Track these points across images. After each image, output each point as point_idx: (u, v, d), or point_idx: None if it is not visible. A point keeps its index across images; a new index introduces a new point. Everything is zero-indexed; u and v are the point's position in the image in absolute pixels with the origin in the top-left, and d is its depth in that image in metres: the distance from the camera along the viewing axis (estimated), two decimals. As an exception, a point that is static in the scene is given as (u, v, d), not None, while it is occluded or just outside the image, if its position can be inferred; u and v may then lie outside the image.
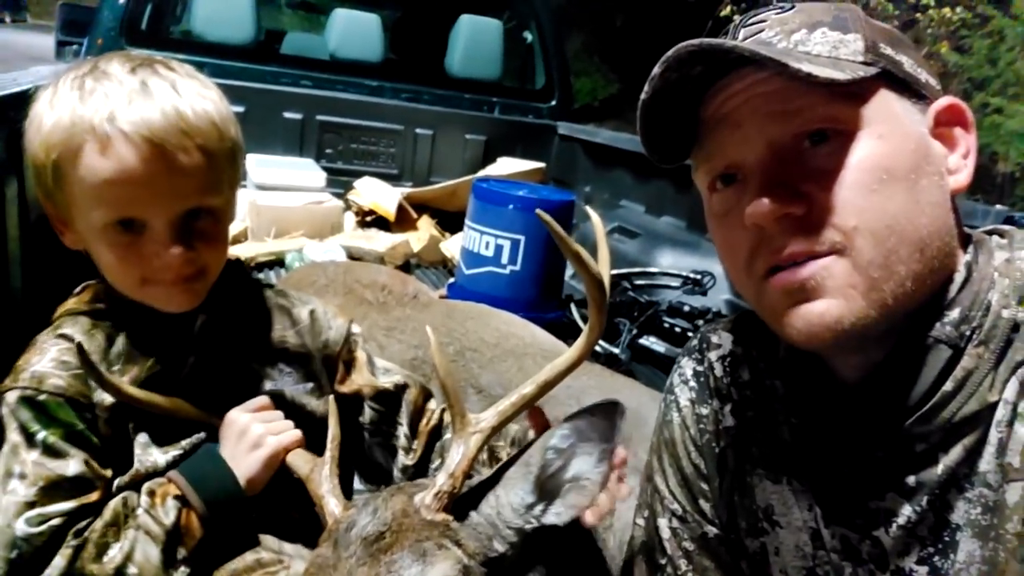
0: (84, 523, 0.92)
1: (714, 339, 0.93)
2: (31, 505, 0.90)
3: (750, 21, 0.78)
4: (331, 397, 1.05)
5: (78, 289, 1.06)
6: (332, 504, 0.91)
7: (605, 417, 0.88)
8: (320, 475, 0.94)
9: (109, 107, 0.89)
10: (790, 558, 0.83)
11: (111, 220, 0.92)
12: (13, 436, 0.92)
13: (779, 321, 0.74)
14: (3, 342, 1.19)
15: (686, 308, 2.41)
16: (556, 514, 0.89)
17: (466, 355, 1.51)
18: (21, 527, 0.89)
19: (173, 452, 1.00)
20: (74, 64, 0.97)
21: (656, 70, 0.74)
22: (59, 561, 0.89)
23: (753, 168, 0.73)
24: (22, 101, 1.64)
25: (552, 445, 0.90)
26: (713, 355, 0.92)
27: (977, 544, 0.69)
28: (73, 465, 0.93)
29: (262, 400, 1.03)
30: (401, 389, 1.19)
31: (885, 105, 0.72)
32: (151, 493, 0.95)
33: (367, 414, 1.17)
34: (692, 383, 0.93)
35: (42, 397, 0.93)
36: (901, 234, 0.68)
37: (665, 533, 0.92)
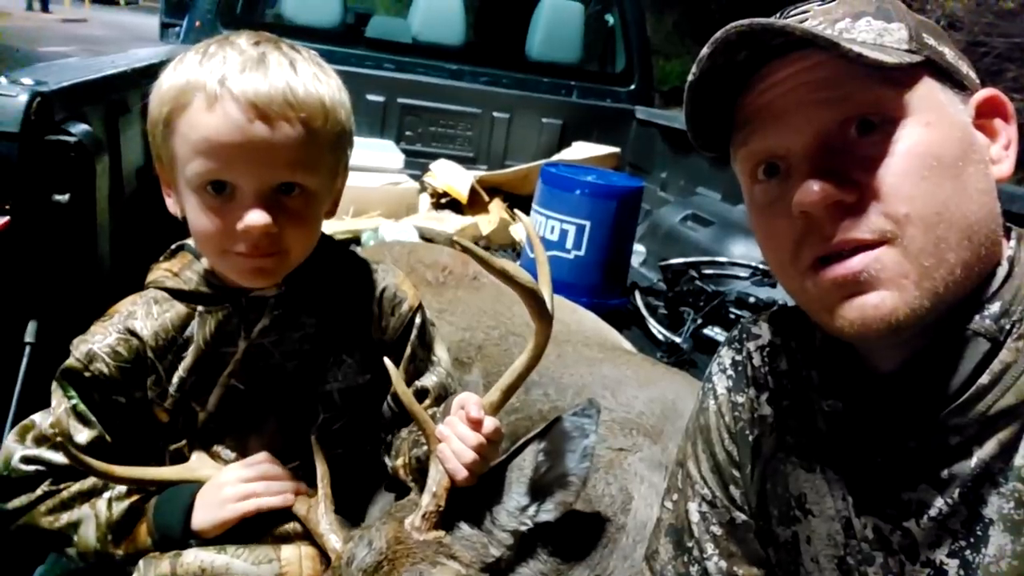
0: (63, 484, 1.02)
1: (754, 330, 0.93)
2: (39, 441, 1.02)
3: (793, 13, 0.77)
4: (313, 438, 1.07)
5: (173, 247, 1.11)
6: (333, 540, 0.97)
7: (585, 416, 0.96)
8: (318, 514, 0.99)
9: (223, 70, 0.92)
10: (821, 547, 0.83)
11: (205, 180, 0.94)
12: (57, 388, 1.03)
13: (829, 313, 0.73)
14: (91, 307, 1.31)
15: (752, 299, 2.36)
16: (547, 512, 0.96)
17: (509, 339, 1.53)
18: (18, 458, 1.01)
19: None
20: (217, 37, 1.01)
21: (705, 51, 0.73)
22: (23, 499, 1.01)
23: (800, 157, 0.73)
24: (120, 81, 1.78)
25: (542, 448, 0.96)
26: (752, 345, 0.92)
27: (1009, 539, 0.68)
28: (85, 435, 1.02)
29: (260, 456, 1.06)
30: (420, 395, 1.15)
31: (931, 93, 0.71)
32: (127, 489, 1.03)
33: (384, 406, 1.17)
34: (730, 371, 0.93)
35: (87, 375, 1.02)
36: (951, 221, 0.68)
37: (694, 517, 0.93)
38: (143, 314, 1.05)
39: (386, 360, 1.01)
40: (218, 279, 1.05)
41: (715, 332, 2.38)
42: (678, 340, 2.32)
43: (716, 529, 0.92)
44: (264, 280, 1.03)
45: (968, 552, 0.71)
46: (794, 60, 0.72)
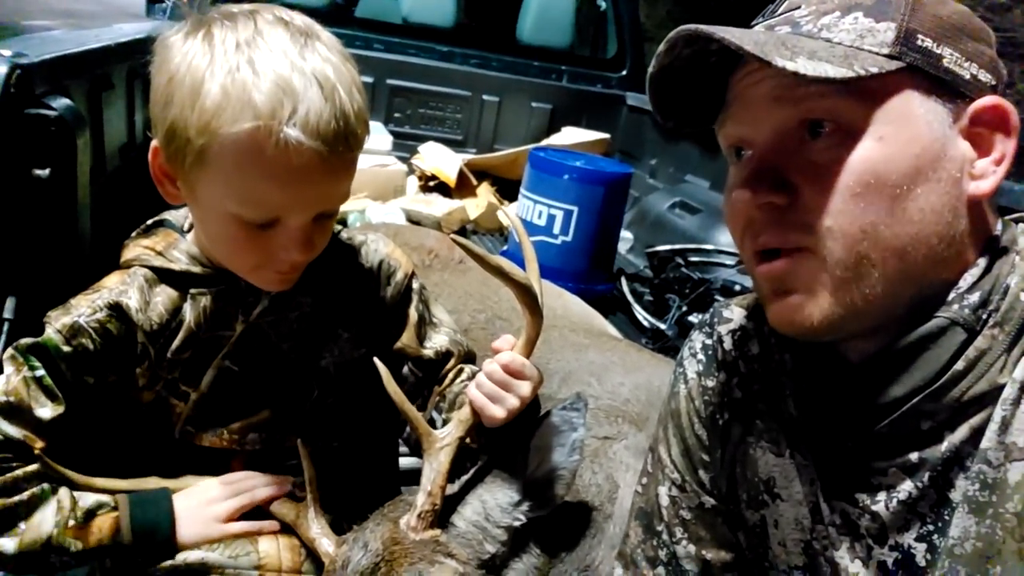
0: (14, 463, 0.92)
1: (725, 313, 0.94)
2: None
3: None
4: (300, 441, 1.01)
5: (150, 223, 1.06)
6: (325, 544, 0.96)
7: (573, 409, 0.98)
8: (307, 519, 0.98)
9: (286, 105, 0.84)
10: (789, 531, 0.84)
11: (249, 221, 0.91)
12: (14, 358, 0.94)
13: (765, 305, 0.77)
14: (71, 284, 1.30)
15: (737, 287, 2.37)
16: (539, 507, 0.97)
17: (496, 323, 1.53)
18: None
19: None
20: (221, 12, 0.91)
21: (661, 48, 0.74)
22: None
23: (757, 148, 0.74)
24: (104, 56, 1.75)
25: (533, 445, 0.97)
26: (723, 329, 0.92)
27: (973, 520, 0.69)
28: (48, 410, 0.94)
29: (241, 475, 1.04)
30: (444, 356, 1.16)
31: (899, 104, 0.69)
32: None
33: (407, 375, 1.16)
34: (700, 356, 0.94)
35: (66, 349, 0.95)
36: (876, 239, 0.68)
37: (664, 501, 0.94)
38: (136, 295, 0.99)
39: (377, 362, 0.98)
40: (208, 259, 1.02)
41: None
42: (663, 327, 2.33)
43: (685, 513, 0.92)
44: (286, 287, 1.02)
45: (936, 537, 0.72)
46: None
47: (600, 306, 2.16)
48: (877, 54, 0.69)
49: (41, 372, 0.94)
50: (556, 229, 2.53)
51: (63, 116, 1.28)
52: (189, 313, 1.01)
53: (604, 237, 2.60)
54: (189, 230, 1.06)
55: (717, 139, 0.82)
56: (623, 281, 2.67)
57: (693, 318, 2.39)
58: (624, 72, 3.97)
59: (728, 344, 0.91)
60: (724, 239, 2.75)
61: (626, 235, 3.10)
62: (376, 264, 1.14)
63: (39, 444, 0.94)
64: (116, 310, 0.98)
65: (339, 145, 0.88)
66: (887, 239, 0.68)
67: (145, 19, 3.55)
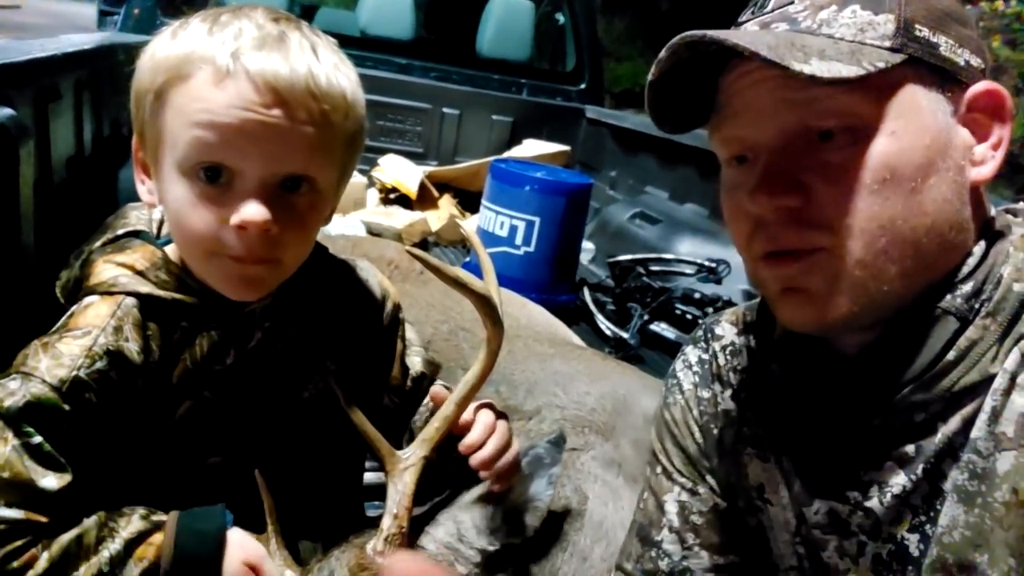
0: (20, 542, 0.78)
1: (717, 331, 0.94)
2: None
3: None
4: (257, 472, 0.92)
5: (120, 232, 0.94)
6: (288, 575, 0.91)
7: (555, 445, 1.00)
8: (270, 550, 0.93)
9: (238, 43, 0.80)
10: (781, 534, 0.85)
11: (200, 161, 0.80)
12: (15, 417, 0.79)
13: (775, 303, 0.76)
14: (14, 299, 1.24)
15: (697, 295, 2.40)
16: (514, 534, 0.96)
17: (459, 335, 1.51)
18: None
19: None
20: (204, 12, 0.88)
21: (663, 54, 0.72)
22: None
23: (762, 151, 0.72)
24: (50, 66, 1.69)
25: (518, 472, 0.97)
26: (717, 345, 0.93)
27: (962, 509, 0.69)
28: (54, 480, 0.80)
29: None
30: (420, 379, 1.11)
31: (905, 97, 0.69)
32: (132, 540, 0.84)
33: (386, 401, 1.11)
34: (696, 368, 0.94)
35: (66, 407, 0.81)
36: (895, 234, 0.68)
37: (672, 508, 0.93)
38: (133, 335, 0.87)
39: (337, 390, 0.93)
40: (197, 282, 0.90)
41: (662, 328, 2.40)
42: (625, 336, 2.34)
43: (697, 519, 0.91)
44: (252, 292, 0.89)
45: (928, 527, 0.72)
46: None
47: (563, 316, 2.16)
48: (880, 47, 0.68)
49: (38, 439, 0.79)
50: (518, 240, 2.52)
51: (4, 125, 1.23)
52: (185, 350, 0.91)
53: (566, 247, 2.60)
54: (166, 243, 0.96)
55: (708, 139, 0.80)
56: (585, 291, 2.67)
57: (655, 327, 2.41)
58: (583, 85, 4.01)
59: (722, 360, 0.92)
60: (683, 248, 2.78)
61: (587, 246, 3.11)
62: (368, 292, 1.08)
63: (44, 519, 0.80)
64: (115, 356, 0.85)
65: (304, 98, 0.81)
66: (904, 233, 0.68)
67: (96, 31, 3.47)
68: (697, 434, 0.92)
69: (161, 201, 0.87)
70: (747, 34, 0.70)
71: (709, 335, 0.95)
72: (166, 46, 0.83)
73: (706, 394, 0.92)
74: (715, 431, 0.91)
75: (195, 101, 0.79)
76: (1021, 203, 0.79)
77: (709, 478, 0.92)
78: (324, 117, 0.83)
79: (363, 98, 0.91)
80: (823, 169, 0.69)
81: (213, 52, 0.79)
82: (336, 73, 0.85)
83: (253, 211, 0.80)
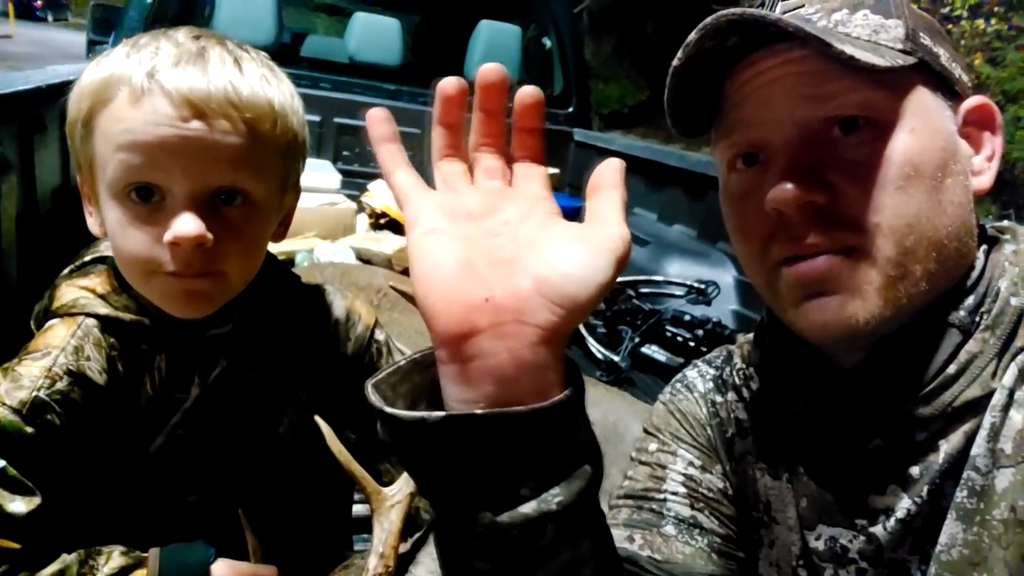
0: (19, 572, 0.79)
1: (734, 359, 0.92)
2: None
3: None
4: (240, 511, 0.93)
5: (87, 259, 0.95)
6: None
7: None
8: None
9: (154, 62, 0.79)
10: (782, 554, 0.82)
11: (128, 182, 0.80)
12: None
13: (792, 311, 0.72)
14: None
15: (687, 317, 2.39)
16: None
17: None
18: None
19: None
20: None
21: (692, 36, 0.70)
22: None
23: (778, 150, 0.70)
24: (35, 98, 1.70)
25: None
26: (728, 367, 0.91)
27: (960, 527, 0.67)
28: (21, 504, 0.80)
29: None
30: None
31: (919, 98, 0.69)
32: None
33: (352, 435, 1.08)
34: (710, 382, 0.91)
35: (28, 430, 0.81)
36: (921, 233, 0.67)
37: (676, 478, 0.86)
38: (94, 354, 0.87)
39: (317, 419, 0.91)
40: (154, 305, 0.89)
41: (652, 350, 2.40)
42: (616, 359, 2.33)
43: (706, 492, 0.85)
44: (197, 308, 0.87)
45: (928, 546, 0.71)
46: (781, 50, 0.70)
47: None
48: (894, 48, 0.68)
49: (2, 463, 0.79)
50: (506, 264, 2.52)
51: None
52: (146, 374, 0.91)
53: (554, 271, 2.59)
54: None
55: (711, 149, 0.79)
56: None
57: (646, 349, 2.40)
58: (571, 109, 4.04)
59: (738, 379, 0.90)
60: (673, 269, 2.78)
61: (578, 268, 3.11)
62: (335, 318, 1.07)
63: (15, 546, 0.80)
64: (77, 377, 0.85)
65: (223, 108, 0.80)
66: (929, 233, 0.67)
67: (85, 61, 3.49)
68: (709, 429, 0.88)
69: (103, 229, 0.87)
70: (784, 19, 0.68)
71: (724, 362, 0.92)
72: (90, 73, 0.83)
73: (720, 399, 0.89)
74: (727, 435, 0.87)
75: (117, 123, 0.79)
76: (1006, 221, 0.79)
77: (717, 467, 0.87)
78: (249, 127, 0.82)
79: (299, 108, 0.90)
80: (848, 165, 0.67)
81: (130, 72, 0.80)
82: (262, 83, 0.84)
83: (184, 225, 0.79)
